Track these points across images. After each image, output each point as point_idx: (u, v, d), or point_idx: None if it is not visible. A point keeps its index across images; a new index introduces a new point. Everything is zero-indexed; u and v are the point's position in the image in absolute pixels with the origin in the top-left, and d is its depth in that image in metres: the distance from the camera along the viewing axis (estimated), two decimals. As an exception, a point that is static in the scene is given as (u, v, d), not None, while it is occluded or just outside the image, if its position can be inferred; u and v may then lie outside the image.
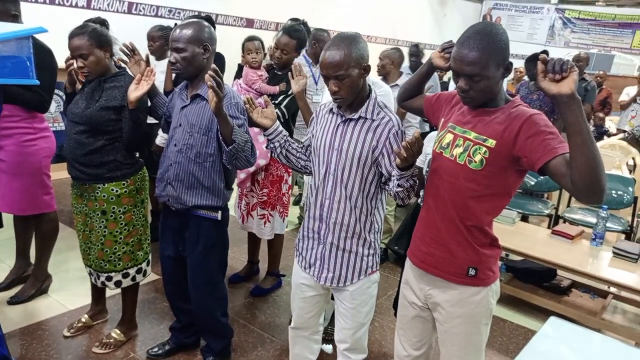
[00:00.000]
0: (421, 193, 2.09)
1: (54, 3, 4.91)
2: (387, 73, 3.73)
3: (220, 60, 3.84)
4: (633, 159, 5.27)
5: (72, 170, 2.28)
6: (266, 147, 1.94)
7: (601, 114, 6.35)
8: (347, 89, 1.65)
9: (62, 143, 2.36)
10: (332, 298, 1.95)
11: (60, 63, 2.42)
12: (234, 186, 2.35)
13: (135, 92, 2.09)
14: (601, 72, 7.30)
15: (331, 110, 1.80)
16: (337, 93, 1.66)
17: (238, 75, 3.08)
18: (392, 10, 9.58)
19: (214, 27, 2.13)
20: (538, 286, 3.30)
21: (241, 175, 2.88)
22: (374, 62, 3.60)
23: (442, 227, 1.59)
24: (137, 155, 2.37)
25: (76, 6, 5.09)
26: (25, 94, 2.48)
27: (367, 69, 1.67)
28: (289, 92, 2.70)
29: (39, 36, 2.50)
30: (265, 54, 2.94)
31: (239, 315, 2.89)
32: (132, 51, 2.31)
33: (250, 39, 2.91)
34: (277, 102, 2.75)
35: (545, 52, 4.32)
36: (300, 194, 4.79)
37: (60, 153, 3.31)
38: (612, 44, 11.17)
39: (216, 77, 1.79)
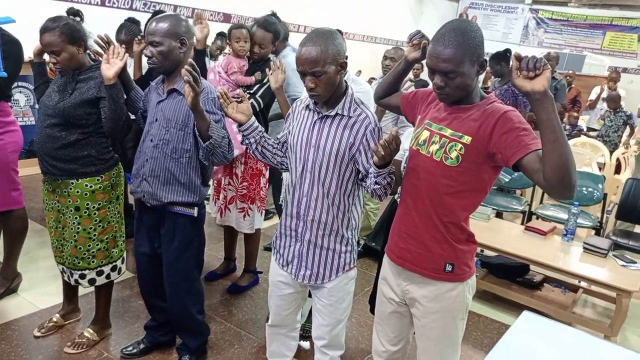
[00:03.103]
0: (398, 189, 2.11)
1: (24, -7, 4.76)
2: None
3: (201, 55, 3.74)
4: (602, 156, 5.42)
5: (43, 165, 2.22)
6: (242, 143, 1.92)
7: (575, 113, 6.52)
8: (323, 85, 1.64)
9: (32, 138, 2.30)
10: (310, 295, 1.95)
11: (30, 53, 2.35)
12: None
13: (110, 69, 2.05)
14: (570, 72, 7.48)
15: (307, 106, 1.78)
16: (313, 90, 1.65)
17: (195, 60, 2.99)
18: (370, 8, 9.61)
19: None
20: (512, 281, 3.36)
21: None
22: (355, 59, 3.60)
23: (419, 223, 1.60)
24: (112, 150, 2.32)
25: (48, -3, 4.94)
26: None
27: (343, 66, 1.66)
28: (264, 81, 2.68)
29: (9, 28, 2.44)
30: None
31: (216, 312, 2.87)
32: (107, 43, 2.25)
33: (238, 26, 2.83)
34: (252, 91, 2.73)
35: (508, 50, 4.42)
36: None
37: (31, 148, 3.21)
38: (584, 44, 11.44)
39: (193, 72, 1.76)
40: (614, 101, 6.48)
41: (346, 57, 1.67)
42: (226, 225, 3.06)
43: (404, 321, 1.76)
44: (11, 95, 2.65)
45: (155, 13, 2.09)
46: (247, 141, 1.87)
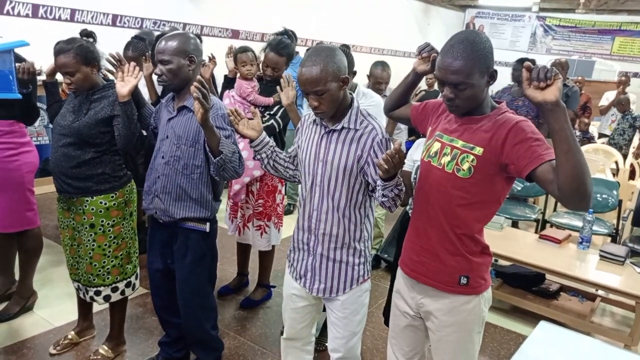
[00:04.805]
0: (410, 201, 2.10)
1: (37, 16, 4.87)
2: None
3: (231, 83, 3.76)
4: (616, 162, 5.35)
5: (58, 184, 2.25)
6: (254, 159, 1.94)
7: (586, 120, 6.46)
8: (327, 103, 1.65)
9: (46, 157, 2.33)
10: (324, 309, 1.94)
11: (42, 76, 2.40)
12: (227, 198, 2.33)
13: (125, 87, 2.07)
14: (580, 78, 7.42)
15: (315, 121, 1.80)
16: (317, 108, 1.66)
17: (226, 86, 3.04)
18: (377, 20, 9.67)
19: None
20: (527, 291, 3.32)
21: (235, 186, 2.86)
22: (362, 71, 3.57)
23: (432, 235, 1.59)
24: (125, 168, 2.35)
25: (59, 19, 5.05)
26: (34, 109, 2.45)
27: (345, 81, 1.67)
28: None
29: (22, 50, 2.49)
30: (258, 65, 2.90)
31: (229, 327, 2.86)
32: (118, 61, 2.29)
33: (243, 50, 2.86)
34: (272, 112, 2.74)
35: (527, 59, 4.37)
36: (290, 204, 4.79)
37: (45, 167, 3.24)
38: (593, 50, 11.38)
39: (201, 89, 1.78)
40: (622, 104, 6.43)
41: (354, 72, 1.67)
42: (242, 242, 3.07)
43: (419, 335, 1.74)
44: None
45: (159, 36, 2.13)
46: (258, 156, 1.90)
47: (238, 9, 6.97)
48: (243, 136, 1.88)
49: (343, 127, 1.71)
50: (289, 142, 3.31)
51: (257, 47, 2.93)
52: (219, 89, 3.16)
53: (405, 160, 2.57)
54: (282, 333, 2.04)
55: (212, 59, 3.02)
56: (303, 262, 1.85)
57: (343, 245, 1.77)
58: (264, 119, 2.66)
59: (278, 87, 2.47)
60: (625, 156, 5.76)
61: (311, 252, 1.81)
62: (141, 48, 3.27)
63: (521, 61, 4.25)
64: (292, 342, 2.00)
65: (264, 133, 1.88)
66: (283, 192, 2.99)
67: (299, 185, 1.91)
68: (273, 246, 3.05)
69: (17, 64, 2.28)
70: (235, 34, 7.00)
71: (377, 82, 3.39)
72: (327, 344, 1.95)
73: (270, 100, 2.79)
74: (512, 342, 2.92)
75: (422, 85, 6.93)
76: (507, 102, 4.28)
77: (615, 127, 6.43)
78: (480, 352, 1.75)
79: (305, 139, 1.82)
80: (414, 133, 4.63)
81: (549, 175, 1.34)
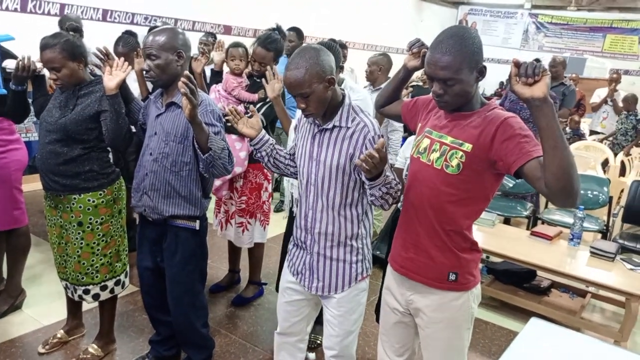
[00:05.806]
0: (401, 198, 2.09)
1: (25, 11, 4.81)
2: (375, 79, 3.77)
3: (217, 76, 3.74)
4: (606, 159, 5.39)
5: (45, 182, 2.22)
6: (254, 156, 1.93)
7: (577, 117, 6.45)
8: (314, 104, 1.64)
9: (36, 154, 2.30)
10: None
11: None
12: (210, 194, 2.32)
13: (112, 80, 2.05)
14: (573, 75, 7.42)
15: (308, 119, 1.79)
16: (305, 110, 1.65)
17: (213, 80, 3.02)
18: (370, 16, 9.65)
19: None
20: (518, 287, 3.33)
21: (217, 182, 2.84)
22: (355, 67, 3.60)
23: (421, 232, 1.59)
24: (114, 164, 2.32)
25: (49, 14, 4.99)
26: (26, 107, 2.42)
27: (331, 81, 1.64)
28: (267, 100, 2.67)
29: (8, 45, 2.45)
30: (248, 62, 2.88)
31: (221, 325, 2.85)
32: (106, 55, 2.26)
33: (235, 45, 2.85)
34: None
35: (537, 60, 4.36)
36: (282, 201, 4.77)
37: (33, 164, 3.20)
38: (584, 47, 11.44)
39: (189, 84, 1.76)
40: (628, 102, 6.29)
41: (341, 67, 1.65)
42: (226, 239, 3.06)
43: (409, 331, 1.74)
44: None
45: (151, 29, 2.10)
46: (258, 154, 1.89)
47: (233, 5, 6.93)
48: (242, 135, 1.87)
49: (334, 126, 1.70)
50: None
51: (249, 42, 2.90)
52: None
53: (398, 158, 2.57)
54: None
55: (204, 53, 3.00)
56: (301, 260, 1.84)
57: (339, 243, 1.76)
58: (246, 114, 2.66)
59: (264, 80, 2.45)
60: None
61: (308, 250, 1.80)
62: (132, 43, 3.23)
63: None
64: (286, 337, 1.97)
65: (264, 131, 1.88)
66: (269, 189, 2.96)
67: (287, 183, 1.91)
68: (260, 244, 3.03)
69: (16, 61, 2.23)
70: (227, 30, 6.96)
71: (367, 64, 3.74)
72: (319, 342, 1.94)
73: (254, 96, 2.77)
74: (503, 339, 2.93)
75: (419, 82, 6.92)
76: (512, 100, 4.26)
77: (618, 127, 6.40)
78: (471, 349, 1.75)
79: (300, 137, 1.81)
80: (409, 130, 4.67)
81: (536, 172, 1.34)
